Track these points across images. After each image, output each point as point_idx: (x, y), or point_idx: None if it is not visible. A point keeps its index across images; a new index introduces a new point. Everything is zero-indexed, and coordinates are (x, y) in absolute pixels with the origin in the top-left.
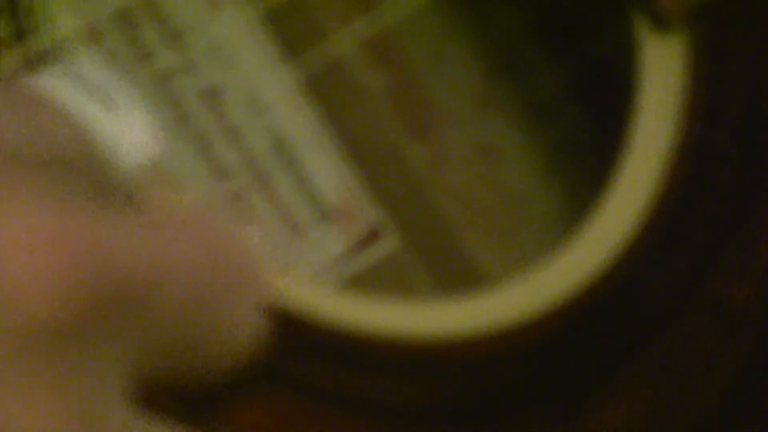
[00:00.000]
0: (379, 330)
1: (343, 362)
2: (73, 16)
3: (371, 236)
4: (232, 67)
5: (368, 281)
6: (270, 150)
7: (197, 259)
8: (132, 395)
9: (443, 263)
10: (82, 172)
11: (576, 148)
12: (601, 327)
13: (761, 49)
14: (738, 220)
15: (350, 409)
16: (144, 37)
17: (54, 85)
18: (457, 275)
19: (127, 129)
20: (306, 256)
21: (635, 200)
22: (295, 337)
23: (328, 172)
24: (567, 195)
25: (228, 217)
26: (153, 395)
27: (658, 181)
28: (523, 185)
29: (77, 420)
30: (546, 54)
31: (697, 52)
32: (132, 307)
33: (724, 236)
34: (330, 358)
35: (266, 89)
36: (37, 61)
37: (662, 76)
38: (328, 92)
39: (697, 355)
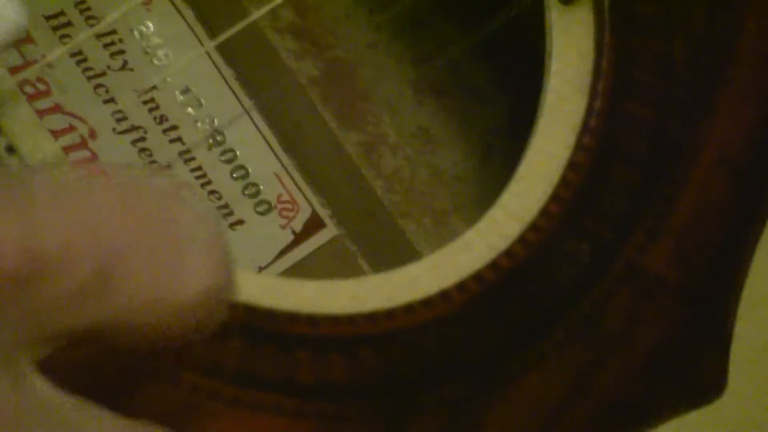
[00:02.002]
0: (288, 308)
1: (259, 341)
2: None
3: (311, 225)
4: (166, 64)
5: (309, 268)
6: (206, 144)
7: (108, 225)
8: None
9: (382, 248)
10: None
11: (510, 132)
12: (519, 295)
13: (664, 13)
14: (652, 186)
15: (265, 387)
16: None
17: None
18: (396, 259)
19: None
20: (248, 248)
21: (550, 168)
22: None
23: (265, 163)
24: (502, 178)
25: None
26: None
27: (572, 149)
28: (457, 169)
29: None
30: (464, 30)
31: (603, 18)
32: (16, 281)
33: (640, 201)
34: (237, 337)
35: (200, 84)
36: None
37: (571, 44)
38: (260, 84)
39: (616, 319)
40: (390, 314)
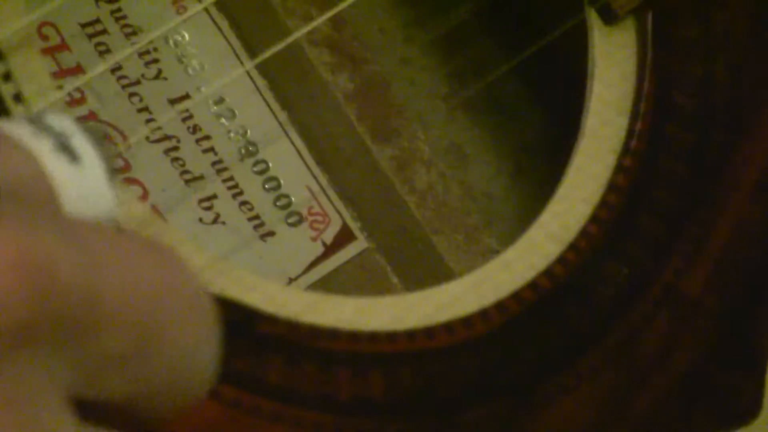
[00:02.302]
0: (329, 324)
1: (299, 357)
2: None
3: (342, 238)
4: (200, 74)
5: (338, 281)
6: (239, 155)
7: (144, 285)
8: (76, 409)
9: (412, 263)
10: (41, 205)
11: (542, 149)
12: (557, 316)
13: (706, 37)
14: (691, 210)
15: (305, 404)
16: (113, 47)
17: (25, 132)
18: (426, 274)
19: (86, 180)
20: (278, 260)
21: (590, 189)
22: (245, 330)
23: (297, 175)
24: (534, 195)
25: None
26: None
27: (612, 171)
28: (489, 186)
29: (18, 422)
30: (499, 45)
31: (646, 41)
32: (75, 322)
33: (678, 225)
34: (278, 352)
35: (233, 95)
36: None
37: (613, 66)
38: (294, 96)
39: (653, 343)
40: (429, 333)
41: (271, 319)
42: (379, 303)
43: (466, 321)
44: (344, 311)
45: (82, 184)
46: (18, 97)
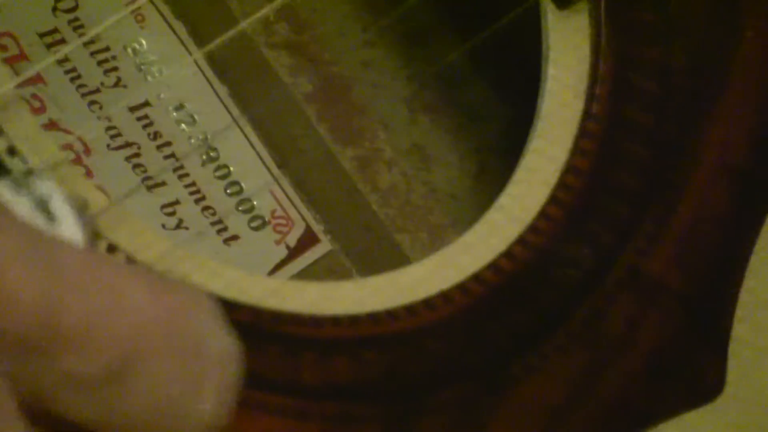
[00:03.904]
0: (293, 310)
1: (263, 343)
2: None
3: (305, 240)
4: (160, 80)
5: None
6: (200, 160)
7: (124, 315)
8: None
9: (377, 263)
10: (13, 228)
11: (505, 150)
12: (520, 297)
13: (662, 20)
14: (652, 191)
15: (270, 388)
16: (71, 56)
17: (6, 191)
18: None
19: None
20: (243, 264)
21: (548, 172)
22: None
23: (259, 179)
24: (498, 194)
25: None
26: None
27: (570, 153)
28: (452, 187)
29: None
30: (457, 33)
31: (600, 24)
32: (32, 342)
33: (640, 206)
34: (243, 338)
35: (193, 101)
36: None
37: (568, 50)
38: (255, 99)
39: (617, 322)
40: (392, 315)
41: (234, 305)
42: (342, 287)
43: (429, 303)
44: (307, 296)
45: None
46: None
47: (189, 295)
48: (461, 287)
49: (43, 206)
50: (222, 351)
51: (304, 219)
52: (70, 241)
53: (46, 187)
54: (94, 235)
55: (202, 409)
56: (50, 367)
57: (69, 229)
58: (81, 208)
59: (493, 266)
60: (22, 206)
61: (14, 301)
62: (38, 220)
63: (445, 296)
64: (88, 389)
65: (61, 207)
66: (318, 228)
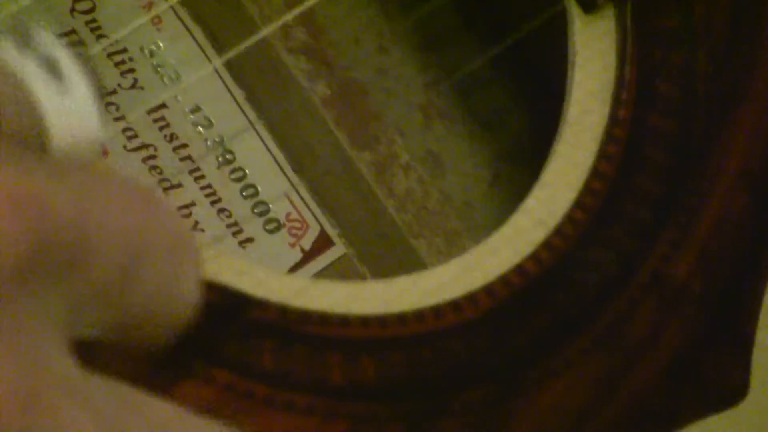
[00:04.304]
0: (320, 309)
1: (291, 342)
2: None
3: (320, 244)
4: (177, 83)
5: None
6: (216, 163)
7: (129, 218)
8: (73, 348)
9: (392, 268)
10: (31, 143)
11: (519, 158)
12: (545, 301)
13: (687, 26)
14: (676, 197)
15: (297, 388)
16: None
17: (11, 54)
18: None
19: (73, 105)
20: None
21: (574, 176)
22: (237, 315)
23: (275, 182)
24: (512, 203)
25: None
26: (96, 352)
27: (595, 157)
28: (467, 194)
29: (21, 364)
30: (477, 38)
31: (626, 30)
32: (68, 254)
33: (664, 212)
34: (270, 337)
35: (210, 103)
36: None
37: (594, 56)
38: (271, 103)
39: (640, 327)
40: (419, 317)
41: (262, 304)
42: (368, 287)
43: (455, 305)
44: (334, 296)
45: (68, 107)
46: None
47: (163, 198)
48: (487, 290)
49: (51, 67)
50: (191, 243)
51: (318, 222)
52: (82, 103)
53: (50, 45)
54: (100, 94)
55: (188, 289)
56: (82, 279)
57: (78, 89)
58: (87, 64)
59: (518, 269)
60: (29, 70)
61: (54, 214)
62: (47, 85)
63: (470, 298)
64: (108, 295)
65: (68, 66)
66: (333, 232)
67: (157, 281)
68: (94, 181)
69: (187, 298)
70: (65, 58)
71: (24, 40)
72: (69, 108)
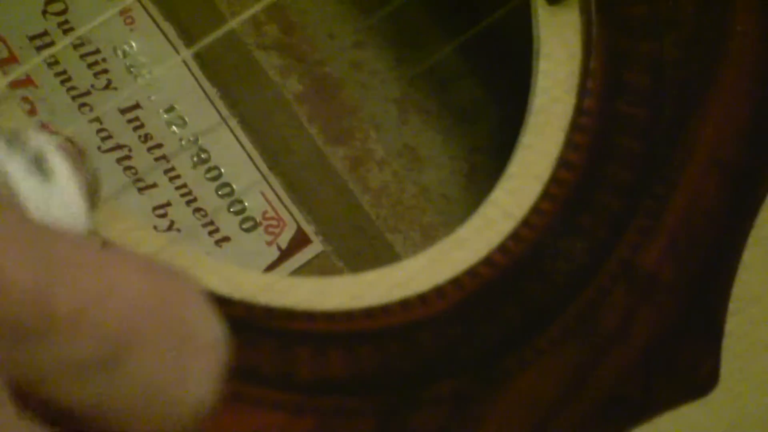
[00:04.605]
0: (286, 305)
1: (257, 337)
2: None
3: (297, 241)
4: (151, 82)
5: None
6: (191, 162)
7: (119, 299)
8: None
9: (369, 263)
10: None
11: (496, 150)
12: (514, 292)
13: (652, 14)
14: (645, 185)
15: (265, 383)
16: (61, 58)
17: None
18: None
19: (56, 200)
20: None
21: (541, 166)
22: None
23: (250, 180)
24: (489, 193)
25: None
26: None
27: (563, 147)
28: (444, 187)
29: None
30: (447, 31)
31: (591, 19)
32: (25, 326)
33: (633, 201)
34: (236, 333)
35: (184, 102)
36: None
37: (559, 45)
38: (245, 100)
39: (611, 316)
40: (386, 310)
41: (228, 301)
42: (335, 283)
43: (423, 298)
44: (300, 291)
45: (50, 201)
46: None
47: (180, 281)
48: (455, 282)
49: (37, 163)
50: (211, 338)
51: (295, 220)
52: (67, 199)
53: (39, 141)
54: (93, 191)
55: (189, 396)
56: (44, 351)
57: (64, 185)
58: (80, 158)
59: (486, 261)
60: (15, 164)
61: (9, 287)
62: (30, 180)
63: (439, 291)
64: (81, 375)
65: (56, 162)
66: (309, 229)
67: (148, 374)
68: (78, 254)
69: (192, 399)
70: (55, 156)
71: (14, 136)
72: (50, 203)
